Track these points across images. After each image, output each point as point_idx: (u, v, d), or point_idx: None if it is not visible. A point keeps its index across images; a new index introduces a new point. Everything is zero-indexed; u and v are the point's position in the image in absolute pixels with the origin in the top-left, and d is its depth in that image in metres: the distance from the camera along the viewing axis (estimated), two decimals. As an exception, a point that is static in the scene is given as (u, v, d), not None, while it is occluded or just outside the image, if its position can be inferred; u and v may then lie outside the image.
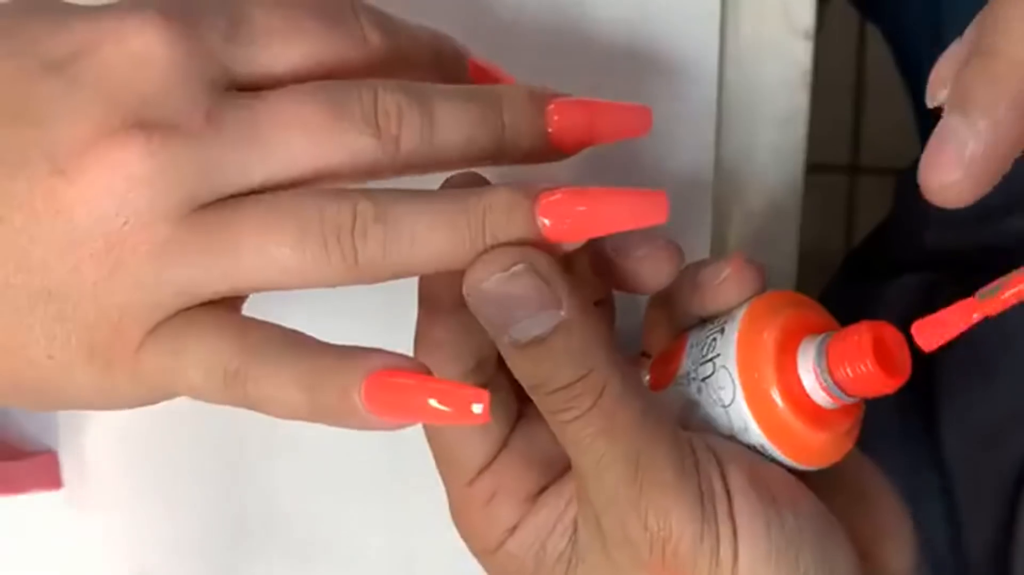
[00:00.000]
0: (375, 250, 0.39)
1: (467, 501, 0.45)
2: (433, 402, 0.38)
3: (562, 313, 0.41)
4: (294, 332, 0.40)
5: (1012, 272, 0.39)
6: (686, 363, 0.46)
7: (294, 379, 0.38)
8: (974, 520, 0.65)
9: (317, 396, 0.38)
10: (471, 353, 0.44)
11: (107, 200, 0.38)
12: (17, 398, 0.41)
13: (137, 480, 0.55)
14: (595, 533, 0.43)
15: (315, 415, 0.39)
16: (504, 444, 0.45)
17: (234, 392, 0.39)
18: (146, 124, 0.39)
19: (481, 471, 0.45)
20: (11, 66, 0.39)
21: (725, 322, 0.45)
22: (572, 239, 0.41)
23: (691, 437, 0.43)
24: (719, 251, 0.58)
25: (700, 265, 0.46)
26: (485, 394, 0.38)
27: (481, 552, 0.46)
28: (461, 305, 0.42)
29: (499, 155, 0.42)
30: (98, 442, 0.54)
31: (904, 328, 0.41)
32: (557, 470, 0.45)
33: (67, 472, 0.54)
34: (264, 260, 0.39)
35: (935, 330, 0.40)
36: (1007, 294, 0.39)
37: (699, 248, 0.57)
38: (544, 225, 0.40)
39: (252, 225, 0.39)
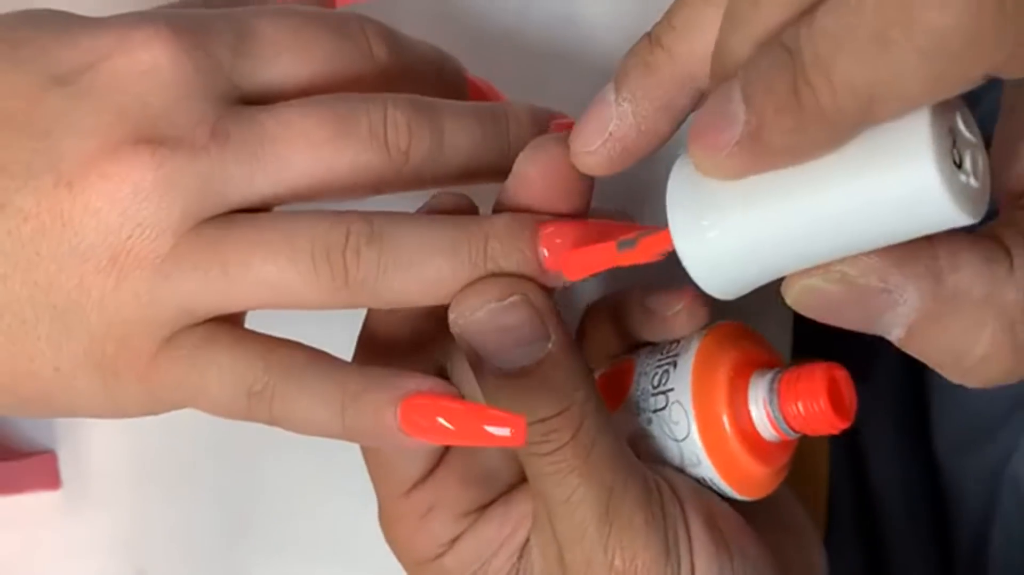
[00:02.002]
0: (368, 270, 0.39)
1: (401, 512, 0.45)
2: (470, 425, 0.38)
3: (549, 346, 0.41)
4: (318, 351, 0.40)
5: (648, 228, 0.39)
6: (634, 392, 0.46)
7: (324, 398, 0.38)
8: (961, 518, 0.65)
9: (350, 416, 0.38)
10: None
11: (112, 213, 0.38)
12: (21, 409, 0.41)
13: (137, 480, 0.55)
14: (554, 564, 0.43)
15: (345, 434, 0.39)
16: (442, 458, 0.44)
17: (258, 410, 0.39)
18: (152, 138, 0.39)
19: (417, 483, 0.44)
20: (18, 78, 0.39)
21: (677, 355, 0.45)
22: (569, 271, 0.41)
23: (655, 475, 0.43)
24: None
25: (651, 291, 0.46)
26: (521, 419, 0.37)
27: (411, 563, 0.46)
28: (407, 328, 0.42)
29: (503, 172, 0.42)
30: (98, 442, 0.54)
31: None
32: (497, 488, 0.45)
33: (66, 472, 0.54)
34: (252, 276, 0.39)
35: (581, 263, 0.40)
36: (642, 248, 0.39)
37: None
38: (544, 256, 0.40)
39: (243, 242, 0.39)
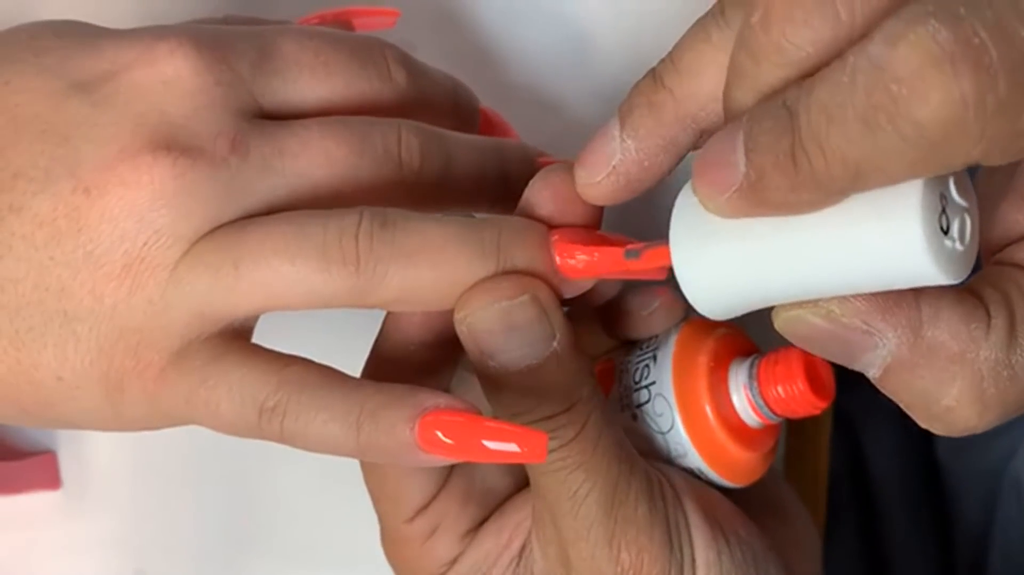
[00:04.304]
0: (380, 253, 0.39)
1: (405, 538, 0.45)
2: (489, 443, 0.37)
3: (555, 344, 0.41)
4: (331, 368, 0.39)
5: (653, 241, 0.40)
6: (617, 389, 0.46)
7: (340, 414, 0.38)
8: (961, 518, 0.65)
9: (365, 432, 0.38)
10: None
11: (129, 220, 0.38)
12: (21, 418, 0.41)
13: (136, 480, 0.55)
14: (556, 564, 0.43)
15: (360, 452, 0.38)
16: (445, 481, 0.44)
17: (269, 427, 0.39)
18: (172, 147, 0.38)
19: (422, 509, 0.44)
20: (40, 84, 0.39)
21: (656, 349, 0.46)
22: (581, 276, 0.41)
23: (653, 469, 0.43)
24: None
25: (627, 292, 0.47)
26: (544, 435, 0.37)
27: None
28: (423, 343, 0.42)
29: (502, 200, 0.43)
30: (98, 442, 0.54)
31: None
32: (495, 502, 0.45)
33: (66, 472, 0.54)
34: (262, 270, 0.39)
35: (587, 264, 0.41)
36: (646, 259, 0.40)
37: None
38: (556, 262, 0.41)
39: (254, 239, 0.39)
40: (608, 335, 0.48)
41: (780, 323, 0.37)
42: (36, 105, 0.39)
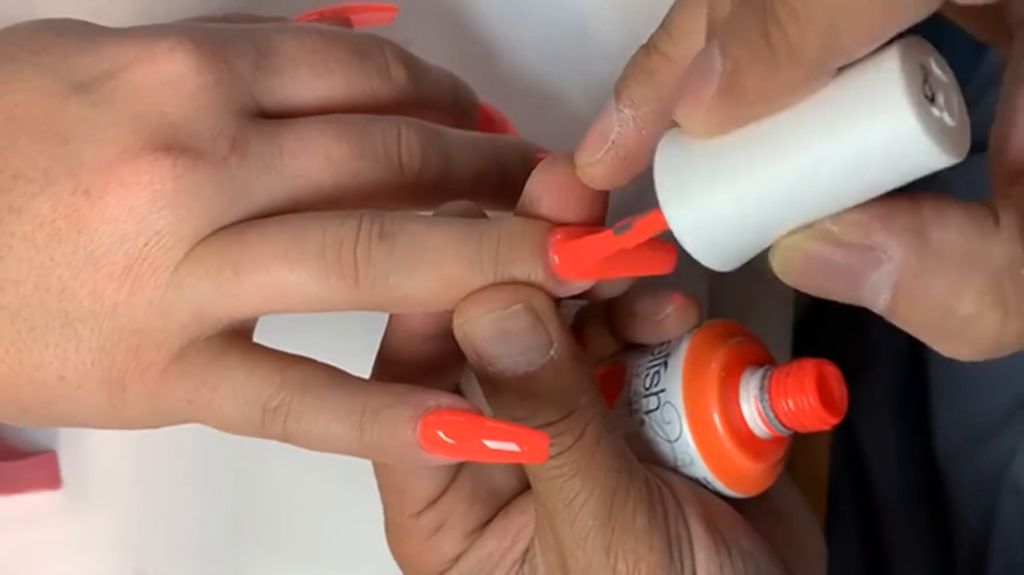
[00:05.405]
0: (379, 268, 0.39)
1: (410, 531, 0.45)
2: (491, 443, 0.37)
3: (552, 352, 0.40)
4: (334, 367, 0.39)
5: (646, 211, 0.39)
6: (626, 394, 0.46)
7: (342, 415, 0.38)
8: (961, 521, 0.65)
9: (368, 432, 0.38)
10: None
11: (130, 221, 0.38)
12: (23, 417, 0.41)
13: (136, 480, 0.55)
14: (556, 570, 0.43)
15: (363, 450, 0.38)
16: (454, 478, 0.44)
17: (272, 427, 0.39)
18: (172, 147, 0.38)
19: (430, 504, 0.44)
20: (39, 84, 0.39)
21: (667, 355, 0.45)
22: (581, 278, 0.41)
23: (655, 477, 0.43)
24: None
25: (638, 296, 0.46)
26: (544, 436, 0.37)
27: None
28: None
29: (502, 197, 0.43)
30: (98, 442, 0.54)
31: None
32: (502, 502, 0.45)
33: (67, 472, 0.54)
34: (262, 275, 0.39)
35: (582, 254, 0.40)
36: (637, 229, 0.39)
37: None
38: (555, 262, 0.40)
39: (254, 243, 0.39)
40: (618, 340, 0.47)
41: (778, 261, 0.36)
42: (35, 105, 0.39)
